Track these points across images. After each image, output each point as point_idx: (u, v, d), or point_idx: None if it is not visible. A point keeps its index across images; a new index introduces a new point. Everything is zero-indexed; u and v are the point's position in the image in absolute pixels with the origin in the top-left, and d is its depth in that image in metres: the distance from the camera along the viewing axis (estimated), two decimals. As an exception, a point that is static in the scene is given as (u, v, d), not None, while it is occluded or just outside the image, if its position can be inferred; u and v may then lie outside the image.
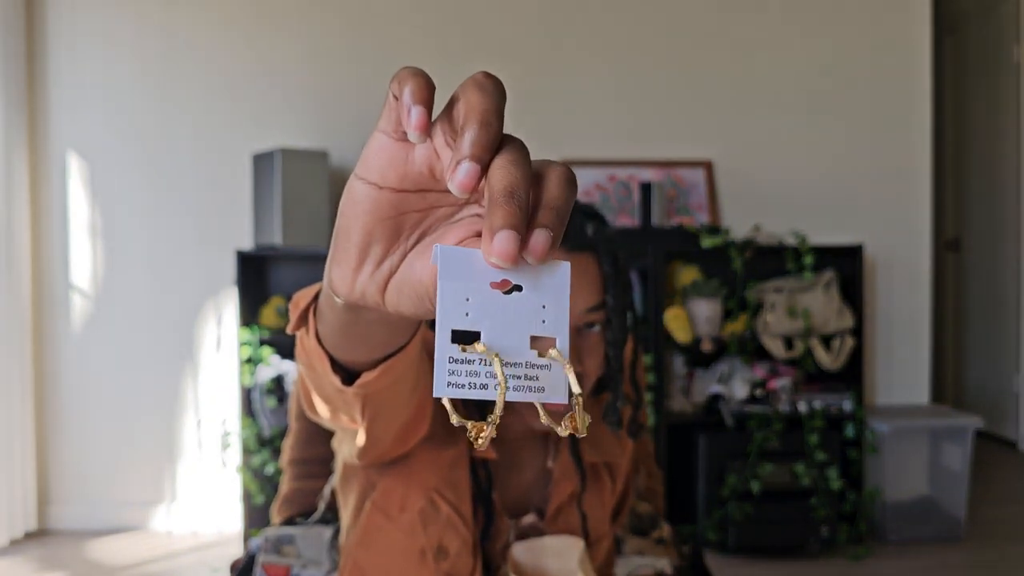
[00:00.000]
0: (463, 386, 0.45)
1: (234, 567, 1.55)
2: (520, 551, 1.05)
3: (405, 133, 0.49)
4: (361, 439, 0.88)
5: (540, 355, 0.46)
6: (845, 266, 3.23)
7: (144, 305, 3.39)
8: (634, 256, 3.20)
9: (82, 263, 3.39)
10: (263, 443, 3.02)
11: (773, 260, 3.24)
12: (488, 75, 0.49)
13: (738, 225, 3.43)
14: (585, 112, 3.48)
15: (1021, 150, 4.58)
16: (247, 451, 3.02)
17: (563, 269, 0.47)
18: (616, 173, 3.44)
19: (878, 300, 3.53)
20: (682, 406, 3.20)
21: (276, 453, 2.93)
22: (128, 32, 3.39)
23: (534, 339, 0.46)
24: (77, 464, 3.39)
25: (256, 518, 2.99)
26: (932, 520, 3.19)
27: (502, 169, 0.45)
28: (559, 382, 0.46)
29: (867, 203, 3.53)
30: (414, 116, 0.48)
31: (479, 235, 0.48)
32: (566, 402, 0.45)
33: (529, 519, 1.11)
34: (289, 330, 0.74)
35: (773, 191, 3.50)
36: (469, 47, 3.47)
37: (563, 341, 0.46)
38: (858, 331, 3.17)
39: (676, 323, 3.07)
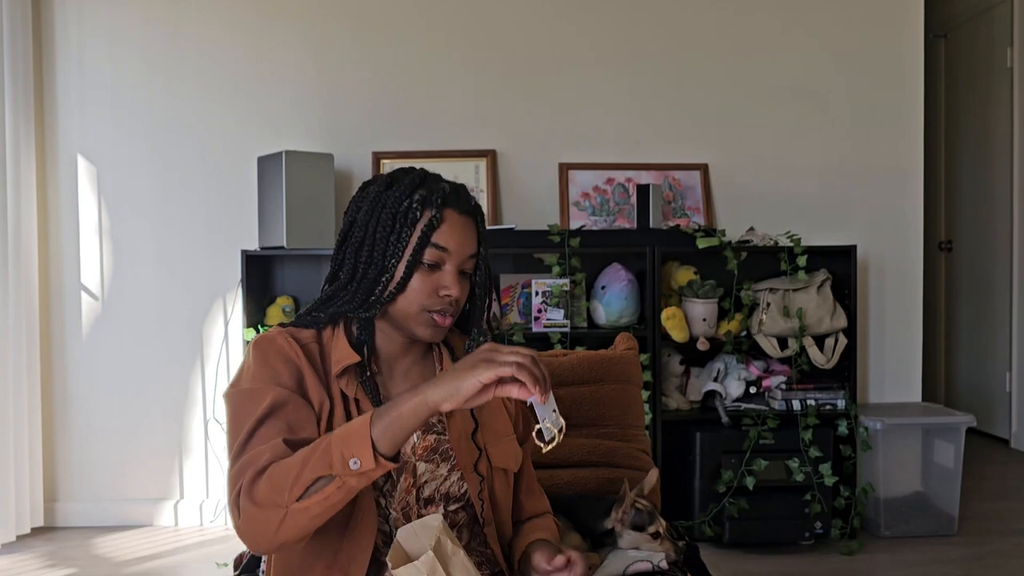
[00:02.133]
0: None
1: (239, 561, 1.61)
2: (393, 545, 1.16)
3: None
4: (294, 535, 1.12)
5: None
6: (838, 267, 3.28)
7: (151, 305, 3.45)
8: (631, 257, 3.27)
9: (90, 264, 3.44)
10: (268, 440, 3.06)
11: (768, 261, 3.29)
12: None
13: (733, 227, 3.49)
14: (585, 118, 3.53)
15: (1013, 152, 4.64)
16: (253, 448, 3.07)
17: None
18: (614, 176, 3.50)
19: (871, 300, 3.58)
20: (678, 404, 3.26)
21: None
22: (135, 36, 3.44)
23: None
24: (84, 461, 3.44)
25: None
26: (925, 516, 3.25)
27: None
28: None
29: (860, 205, 3.58)
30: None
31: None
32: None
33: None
34: (367, 471, 1.07)
35: (767, 194, 3.55)
36: (472, 54, 3.52)
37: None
38: (851, 331, 3.22)
39: (672, 323, 3.12)
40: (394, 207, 1.24)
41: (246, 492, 1.10)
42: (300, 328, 1.30)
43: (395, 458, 1.07)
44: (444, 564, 1.09)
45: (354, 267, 1.26)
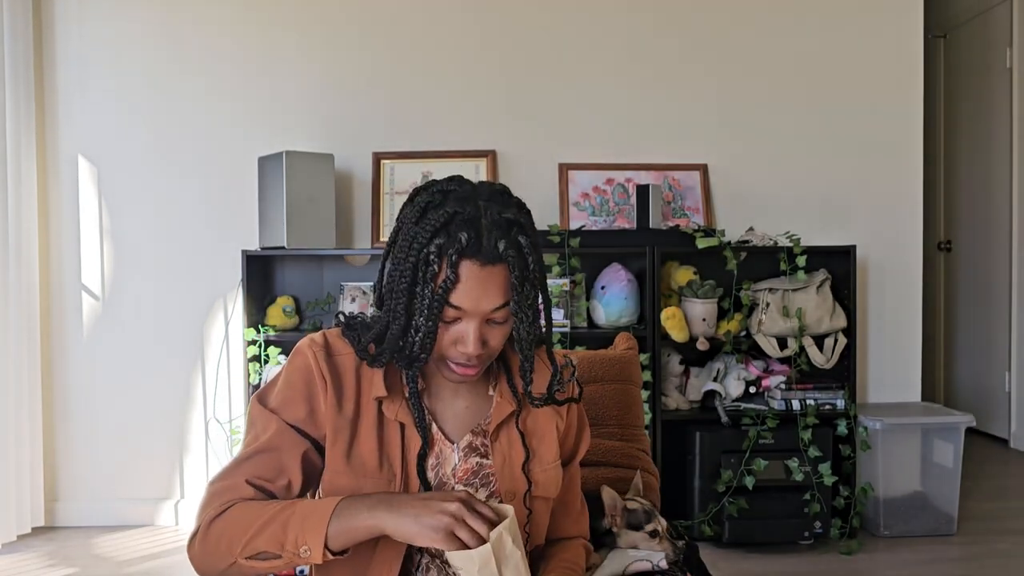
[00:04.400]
0: None
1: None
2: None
3: None
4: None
5: None
6: (838, 267, 3.28)
7: (152, 305, 3.45)
8: (631, 257, 3.27)
9: (91, 264, 3.45)
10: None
11: (767, 261, 3.30)
12: None
13: (732, 227, 3.49)
14: (584, 118, 3.54)
15: (1012, 152, 4.64)
16: (253, 448, 3.07)
17: None
18: (614, 176, 3.50)
19: (870, 300, 3.59)
20: (678, 403, 3.27)
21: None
22: (136, 36, 3.45)
23: None
24: (85, 461, 3.45)
25: (262, 513, 3.04)
26: (924, 515, 3.26)
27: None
28: None
29: (859, 205, 3.59)
30: None
31: None
32: None
33: (467, 438, 1.27)
34: (316, 561, 1.08)
35: (767, 194, 3.56)
36: (472, 54, 3.52)
37: None
38: (850, 330, 3.23)
39: (672, 323, 3.13)
40: (416, 255, 1.12)
41: (205, 528, 1.14)
42: (346, 340, 1.25)
43: (343, 552, 1.09)
44: (499, 561, 1.07)
45: (388, 311, 1.19)
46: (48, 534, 3.32)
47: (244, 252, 3.17)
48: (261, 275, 3.34)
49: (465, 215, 1.11)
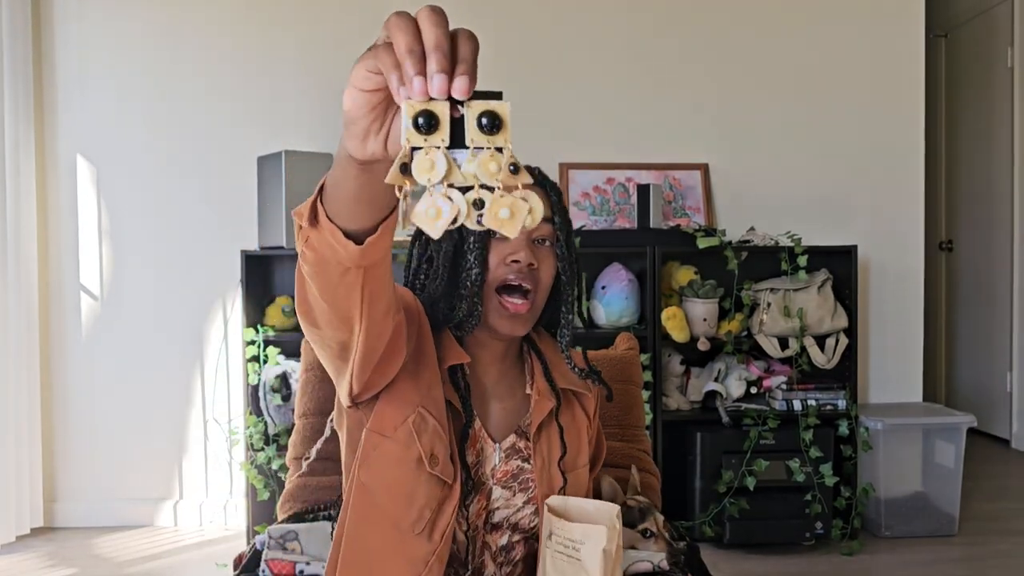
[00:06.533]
0: None
1: (237, 562, 1.60)
2: (557, 502, 1.21)
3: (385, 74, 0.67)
4: (357, 337, 1.02)
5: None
6: (839, 267, 3.28)
7: (151, 305, 3.45)
8: (632, 257, 3.26)
9: (90, 264, 3.44)
10: (268, 440, 3.07)
11: (768, 261, 3.30)
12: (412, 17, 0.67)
13: (733, 227, 3.49)
14: (585, 118, 3.53)
15: (1013, 152, 4.64)
16: (253, 448, 3.07)
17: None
18: (614, 176, 3.50)
19: (871, 300, 3.58)
20: (679, 404, 3.26)
21: (281, 450, 2.98)
22: (135, 36, 3.44)
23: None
24: (84, 461, 3.44)
25: (261, 514, 3.04)
26: (925, 516, 3.25)
27: (430, 30, 0.66)
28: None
29: (860, 205, 3.58)
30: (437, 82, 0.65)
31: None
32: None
33: (510, 439, 1.27)
34: (304, 224, 0.88)
35: (768, 194, 3.55)
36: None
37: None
38: (852, 331, 3.22)
39: (673, 323, 3.12)
40: None
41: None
42: None
43: (359, 239, 0.87)
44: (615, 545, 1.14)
45: (436, 253, 1.24)
46: (47, 534, 3.32)
47: (243, 252, 3.16)
48: (260, 275, 3.34)
49: None
